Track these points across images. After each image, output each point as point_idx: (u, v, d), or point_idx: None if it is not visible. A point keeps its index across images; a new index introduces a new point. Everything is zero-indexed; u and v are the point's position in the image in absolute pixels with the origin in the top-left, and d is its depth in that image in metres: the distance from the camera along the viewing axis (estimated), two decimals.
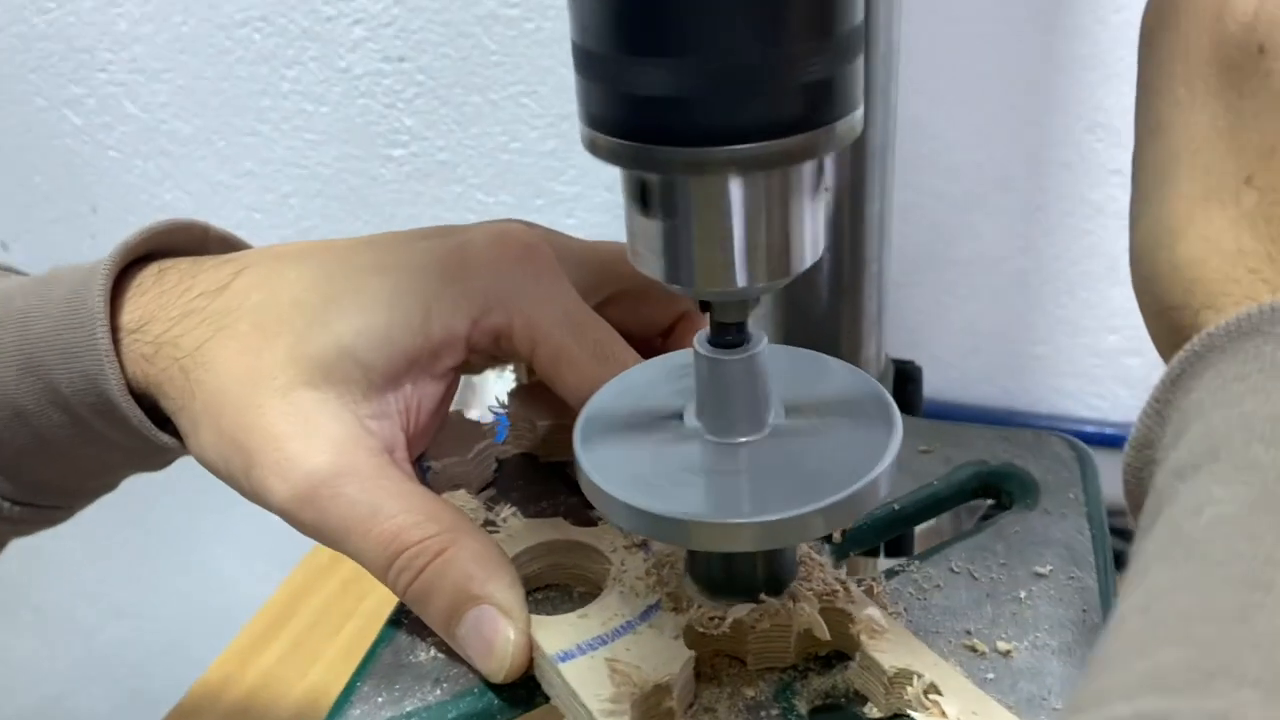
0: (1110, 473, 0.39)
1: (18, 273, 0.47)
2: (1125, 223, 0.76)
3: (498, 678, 0.35)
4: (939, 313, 0.76)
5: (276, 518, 0.38)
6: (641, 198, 0.29)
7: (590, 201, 0.82)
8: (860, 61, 0.28)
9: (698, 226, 0.29)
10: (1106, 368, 0.75)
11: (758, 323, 0.33)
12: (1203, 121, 0.29)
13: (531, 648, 0.35)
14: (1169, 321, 0.29)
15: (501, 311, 0.39)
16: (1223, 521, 0.22)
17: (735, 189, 0.29)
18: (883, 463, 0.32)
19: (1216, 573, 0.21)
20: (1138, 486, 0.28)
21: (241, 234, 0.44)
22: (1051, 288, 0.74)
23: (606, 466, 0.34)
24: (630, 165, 0.28)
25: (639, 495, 0.32)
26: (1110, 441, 0.74)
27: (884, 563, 0.49)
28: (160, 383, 0.39)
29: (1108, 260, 0.72)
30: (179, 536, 1.02)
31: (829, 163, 0.46)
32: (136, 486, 0.47)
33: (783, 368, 0.35)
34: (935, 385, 0.71)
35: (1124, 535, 0.39)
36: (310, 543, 0.84)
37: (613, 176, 0.81)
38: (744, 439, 0.34)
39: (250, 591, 0.91)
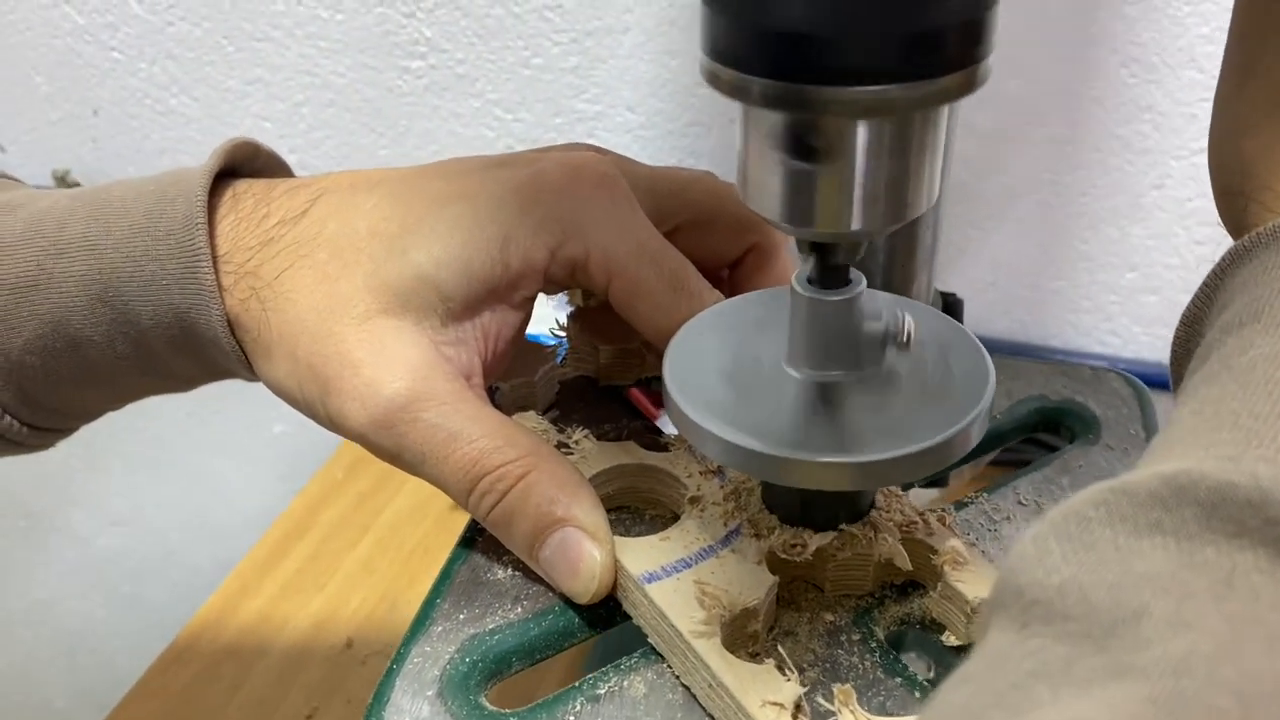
0: None
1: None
2: (1152, 160, 0.76)
3: (583, 598, 0.36)
4: (962, 244, 0.77)
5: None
6: (770, 136, 0.29)
7: (611, 121, 0.81)
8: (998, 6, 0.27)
9: (824, 167, 0.29)
10: (1123, 304, 0.76)
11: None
12: None
13: (616, 569, 0.36)
14: (1228, 203, 0.33)
15: (578, 242, 0.38)
16: (1264, 358, 0.26)
17: (863, 131, 0.28)
18: (976, 409, 0.32)
19: (1260, 389, 0.25)
20: (1185, 357, 0.32)
21: None
22: (1075, 223, 0.74)
23: (697, 398, 0.34)
24: (759, 103, 0.28)
25: (731, 429, 0.32)
26: None
27: (919, 494, 0.50)
28: (238, 313, 0.38)
29: (1131, 197, 0.72)
30: (176, 448, 1.01)
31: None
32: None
33: (872, 311, 0.35)
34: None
35: None
36: (324, 458, 0.84)
37: (636, 97, 0.80)
38: (836, 379, 0.34)
39: (253, 505, 0.91)
